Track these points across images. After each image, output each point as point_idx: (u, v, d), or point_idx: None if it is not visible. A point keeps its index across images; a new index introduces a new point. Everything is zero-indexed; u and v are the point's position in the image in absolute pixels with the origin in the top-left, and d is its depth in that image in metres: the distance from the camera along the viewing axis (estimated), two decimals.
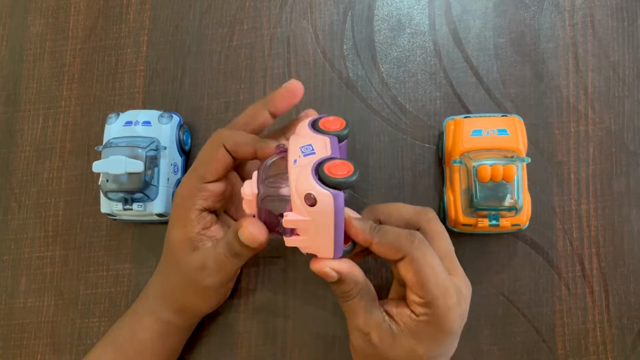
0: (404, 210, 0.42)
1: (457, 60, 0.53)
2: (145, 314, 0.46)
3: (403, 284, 0.42)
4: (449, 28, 0.53)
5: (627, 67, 0.52)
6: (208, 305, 0.46)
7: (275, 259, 0.51)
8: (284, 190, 0.38)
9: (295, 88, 0.42)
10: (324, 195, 0.35)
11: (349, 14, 0.54)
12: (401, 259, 0.39)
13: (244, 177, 0.47)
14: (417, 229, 0.41)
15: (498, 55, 0.53)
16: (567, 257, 0.49)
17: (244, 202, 0.40)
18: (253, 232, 0.39)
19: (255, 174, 0.40)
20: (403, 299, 0.40)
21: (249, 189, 0.39)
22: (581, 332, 0.49)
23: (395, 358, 0.39)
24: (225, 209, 0.47)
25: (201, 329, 0.50)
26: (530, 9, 0.53)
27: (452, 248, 0.41)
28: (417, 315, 0.39)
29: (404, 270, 0.39)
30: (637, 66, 0.52)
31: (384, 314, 0.40)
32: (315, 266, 0.39)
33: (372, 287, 0.41)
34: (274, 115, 0.43)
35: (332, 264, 0.39)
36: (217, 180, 0.43)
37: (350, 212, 0.41)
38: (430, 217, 0.41)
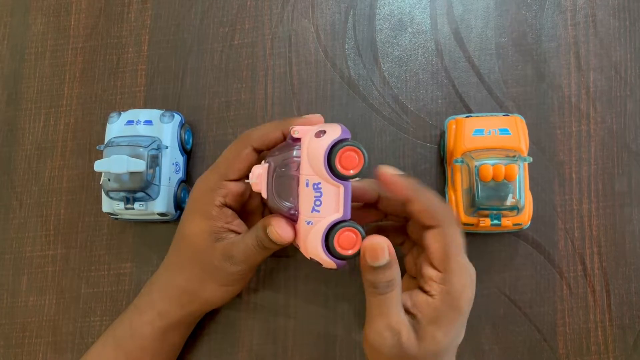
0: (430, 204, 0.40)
1: (459, 60, 0.53)
2: (146, 309, 0.46)
3: (414, 277, 0.43)
4: (451, 27, 0.53)
5: (629, 67, 0.52)
6: (222, 296, 0.46)
7: (277, 258, 0.51)
8: (294, 152, 0.39)
9: (313, 122, 0.42)
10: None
11: (351, 13, 0.54)
12: (431, 227, 0.39)
13: None
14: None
15: (500, 55, 0.53)
16: (569, 256, 0.50)
17: (252, 185, 0.41)
18: (281, 233, 0.40)
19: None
20: (414, 290, 0.40)
21: (258, 168, 0.40)
22: (582, 331, 0.49)
23: (421, 354, 0.38)
24: (241, 213, 0.47)
25: (202, 327, 0.51)
26: (532, 9, 0.53)
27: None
28: (432, 296, 0.39)
29: (432, 239, 0.39)
30: (639, 66, 0.52)
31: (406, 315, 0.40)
32: (372, 242, 0.37)
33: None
34: (285, 138, 0.43)
35: (388, 242, 0.37)
36: (238, 180, 0.44)
37: (390, 169, 0.40)
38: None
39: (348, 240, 0.38)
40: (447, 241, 0.39)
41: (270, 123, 0.44)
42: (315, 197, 0.38)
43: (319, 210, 0.38)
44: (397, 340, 0.38)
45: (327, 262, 0.39)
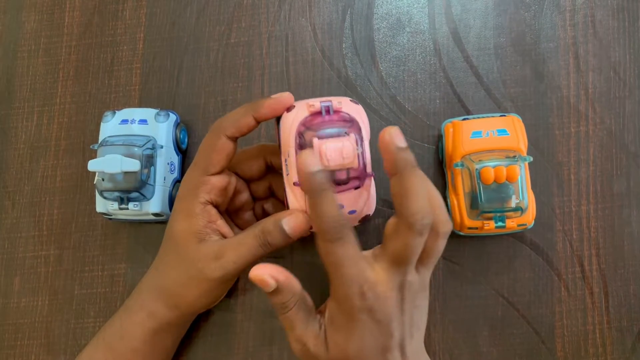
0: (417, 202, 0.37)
1: (457, 60, 0.53)
2: (136, 310, 0.45)
3: None
4: (449, 27, 0.53)
5: (628, 68, 0.51)
6: (207, 301, 0.45)
7: (273, 259, 0.51)
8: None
9: (284, 102, 0.41)
10: None
11: (348, 12, 0.54)
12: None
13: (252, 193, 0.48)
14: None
15: (498, 55, 0.52)
16: (567, 258, 0.49)
17: (344, 159, 0.38)
18: (304, 221, 0.40)
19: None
20: None
21: (343, 142, 0.38)
22: (581, 333, 0.48)
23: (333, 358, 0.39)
24: (228, 209, 0.47)
25: (198, 329, 0.50)
26: (530, 9, 0.53)
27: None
28: (330, 298, 0.40)
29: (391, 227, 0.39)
30: (638, 67, 0.51)
31: (321, 320, 0.40)
32: (254, 273, 0.39)
33: (309, 299, 0.41)
34: (258, 121, 0.42)
35: (271, 271, 0.39)
36: (220, 173, 0.43)
37: (396, 134, 0.37)
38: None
39: None
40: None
41: (240, 108, 0.42)
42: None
43: None
44: (305, 349, 0.40)
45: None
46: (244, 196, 0.47)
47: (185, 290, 0.44)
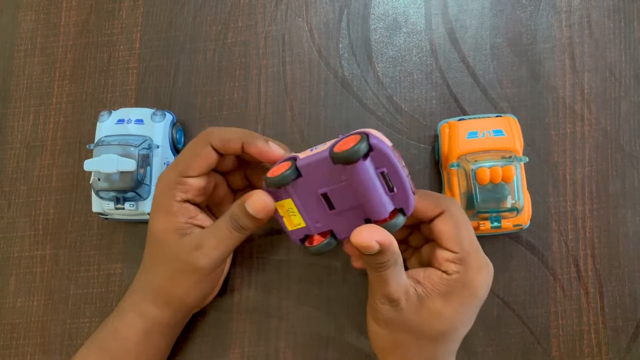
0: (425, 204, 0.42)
1: (454, 60, 0.53)
2: (129, 310, 0.45)
3: (427, 263, 0.43)
4: (446, 27, 0.53)
5: (623, 68, 0.51)
6: (196, 295, 0.45)
7: (269, 259, 0.51)
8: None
9: (273, 154, 0.42)
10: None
11: (345, 12, 0.54)
12: (439, 215, 0.40)
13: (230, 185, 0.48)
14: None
15: (494, 55, 0.52)
16: (563, 258, 0.49)
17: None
18: (265, 199, 0.40)
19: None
20: (429, 267, 0.41)
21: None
22: (576, 333, 0.49)
23: (421, 322, 0.40)
24: (208, 204, 0.47)
25: (193, 329, 0.50)
26: (527, 9, 0.53)
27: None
28: (449, 274, 0.40)
29: (442, 224, 0.40)
30: (634, 67, 0.51)
31: (414, 284, 0.40)
32: (358, 240, 0.37)
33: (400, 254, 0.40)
34: (243, 151, 0.42)
35: (376, 236, 0.37)
36: (197, 176, 0.43)
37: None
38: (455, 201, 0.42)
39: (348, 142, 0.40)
40: (457, 222, 0.40)
41: (236, 129, 0.43)
42: None
43: None
44: (395, 306, 0.40)
45: None
46: (222, 189, 0.46)
47: (174, 285, 0.44)
